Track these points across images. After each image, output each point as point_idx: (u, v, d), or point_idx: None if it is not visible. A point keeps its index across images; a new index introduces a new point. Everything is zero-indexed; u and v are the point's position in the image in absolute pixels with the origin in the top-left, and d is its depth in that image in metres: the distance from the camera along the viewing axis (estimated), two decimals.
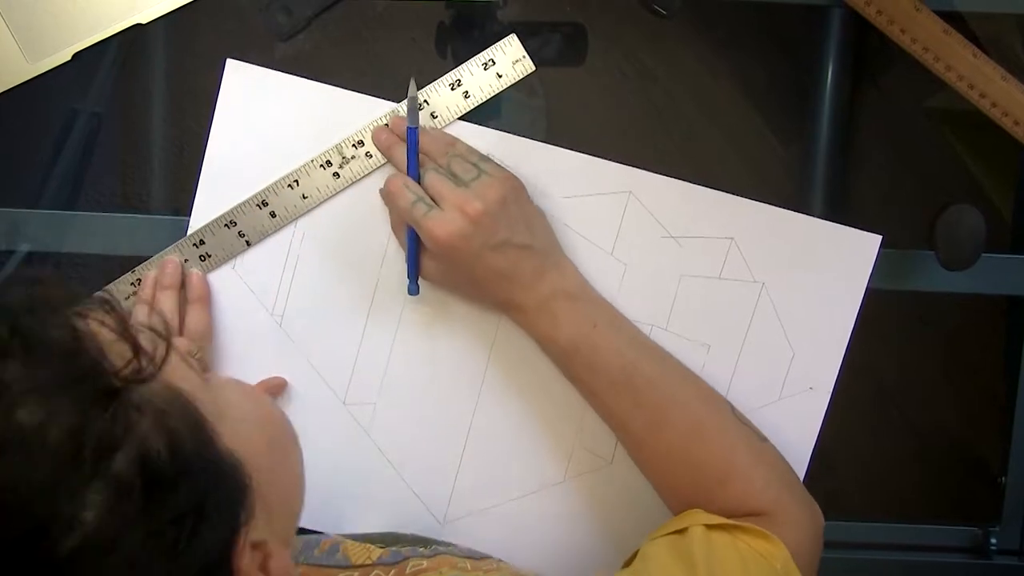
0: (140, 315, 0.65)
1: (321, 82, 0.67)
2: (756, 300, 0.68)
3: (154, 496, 0.36)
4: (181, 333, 0.66)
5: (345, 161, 0.67)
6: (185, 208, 0.70)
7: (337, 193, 0.67)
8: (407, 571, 0.57)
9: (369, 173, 0.67)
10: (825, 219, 0.69)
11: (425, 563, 0.58)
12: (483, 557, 0.61)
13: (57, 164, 0.69)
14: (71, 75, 0.67)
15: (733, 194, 0.67)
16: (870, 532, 0.73)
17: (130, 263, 0.69)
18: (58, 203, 0.69)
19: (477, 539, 0.68)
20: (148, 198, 0.70)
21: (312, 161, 0.67)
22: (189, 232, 0.68)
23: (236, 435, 0.41)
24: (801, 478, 0.67)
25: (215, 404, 0.42)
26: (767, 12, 0.69)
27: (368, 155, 0.67)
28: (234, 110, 0.67)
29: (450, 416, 0.69)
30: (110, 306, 0.39)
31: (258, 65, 0.67)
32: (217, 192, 0.67)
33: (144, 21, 0.67)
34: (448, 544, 0.63)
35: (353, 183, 0.67)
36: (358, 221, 0.68)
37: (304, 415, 0.68)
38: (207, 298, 0.67)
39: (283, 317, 0.68)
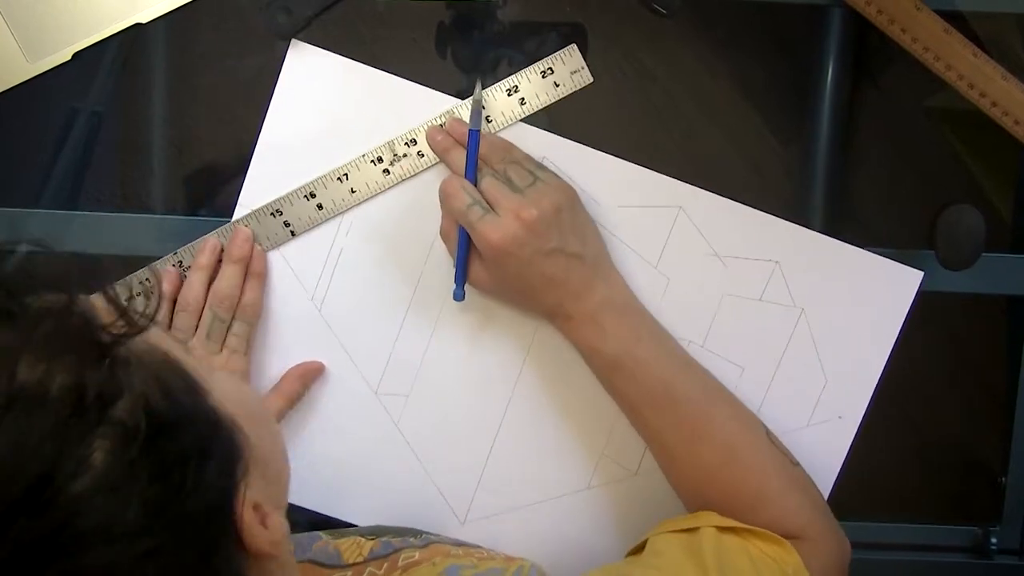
0: (196, 282, 0.66)
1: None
2: (794, 325, 0.68)
3: (157, 439, 0.38)
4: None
5: (396, 159, 0.67)
6: (185, 207, 0.70)
7: (386, 189, 0.68)
8: (399, 563, 0.57)
9: (419, 172, 0.68)
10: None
11: (417, 554, 0.58)
12: (475, 546, 0.61)
13: (57, 163, 0.69)
14: (71, 75, 0.67)
15: (775, 216, 0.68)
16: (870, 531, 0.73)
17: (130, 262, 0.69)
18: (58, 202, 0.69)
19: (496, 540, 0.68)
20: (148, 197, 0.70)
21: (363, 156, 0.67)
22: (235, 216, 0.68)
23: (224, 400, 0.43)
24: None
25: (201, 370, 0.43)
26: (767, 11, 0.69)
27: (420, 154, 0.67)
28: (294, 92, 0.67)
29: (480, 416, 0.70)
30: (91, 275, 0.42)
31: (320, 48, 0.67)
32: (268, 175, 0.68)
33: (144, 21, 0.67)
34: (437, 535, 0.63)
35: (402, 180, 0.68)
36: (405, 218, 0.68)
37: (336, 401, 0.69)
38: (264, 276, 0.67)
39: (323, 303, 0.69)
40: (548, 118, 0.69)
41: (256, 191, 0.68)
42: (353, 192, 0.68)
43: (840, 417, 0.69)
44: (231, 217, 0.69)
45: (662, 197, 0.68)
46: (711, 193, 0.68)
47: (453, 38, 0.68)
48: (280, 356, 0.68)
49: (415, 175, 0.68)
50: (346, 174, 0.67)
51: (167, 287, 0.66)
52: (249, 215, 0.68)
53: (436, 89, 0.68)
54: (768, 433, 0.65)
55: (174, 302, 0.66)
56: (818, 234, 0.68)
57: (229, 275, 0.66)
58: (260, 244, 0.68)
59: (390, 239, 0.68)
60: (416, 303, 0.69)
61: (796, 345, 0.68)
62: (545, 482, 0.70)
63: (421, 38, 0.69)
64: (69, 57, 0.67)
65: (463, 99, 0.67)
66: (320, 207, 0.68)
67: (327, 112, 0.68)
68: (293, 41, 0.67)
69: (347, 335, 0.69)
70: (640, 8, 0.68)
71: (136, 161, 0.70)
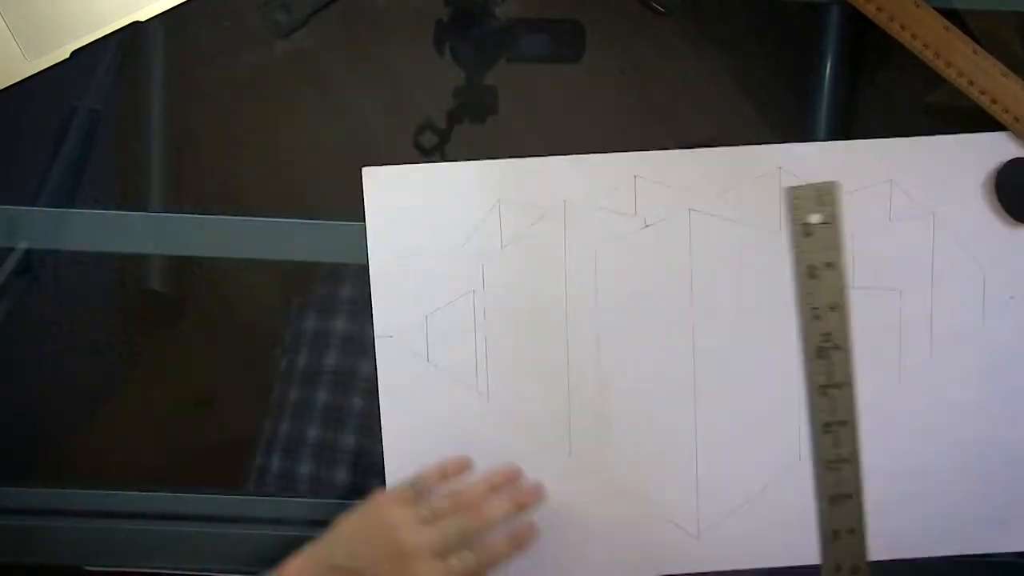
0: (476, 491, 0.64)
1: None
2: (932, 231, 0.68)
3: None
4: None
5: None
6: (183, 205, 0.70)
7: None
8: None
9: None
10: None
11: None
12: None
13: (56, 161, 0.69)
14: (70, 73, 0.67)
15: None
16: None
17: (128, 261, 0.69)
18: (57, 200, 0.69)
19: (737, 542, 0.69)
20: (147, 195, 0.70)
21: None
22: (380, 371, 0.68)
23: None
24: None
25: None
26: (766, 9, 0.69)
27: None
28: (383, 215, 0.67)
29: (673, 431, 0.69)
30: None
31: (392, 164, 0.67)
32: (391, 302, 0.67)
33: (143, 19, 0.67)
34: None
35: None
36: (529, 276, 0.68)
37: (538, 475, 0.68)
38: (523, 551, 0.64)
39: (488, 394, 0.69)
40: (548, 117, 0.69)
41: (385, 317, 0.68)
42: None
43: (1012, 297, 0.69)
44: (232, 216, 0.69)
45: (757, 167, 0.67)
46: (798, 143, 0.67)
47: (452, 36, 0.68)
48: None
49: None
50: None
51: (453, 469, 0.66)
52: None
53: (434, 86, 0.68)
54: None
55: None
56: (910, 138, 0.68)
57: (500, 506, 0.63)
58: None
59: (523, 302, 0.68)
60: (572, 364, 0.69)
61: (941, 248, 0.69)
62: (758, 467, 0.70)
63: (420, 36, 0.69)
64: (68, 55, 0.67)
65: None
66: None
67: (422, 220, 0.67)
68: (364, 169, 0.67)
69: (517, 417, 0.69)
70: (638, 5, 0.68)
71: (135, 159, 0.70)
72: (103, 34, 0.67)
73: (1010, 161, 0.68)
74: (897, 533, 0.70)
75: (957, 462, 0.70)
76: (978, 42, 0.67)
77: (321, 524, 0.73)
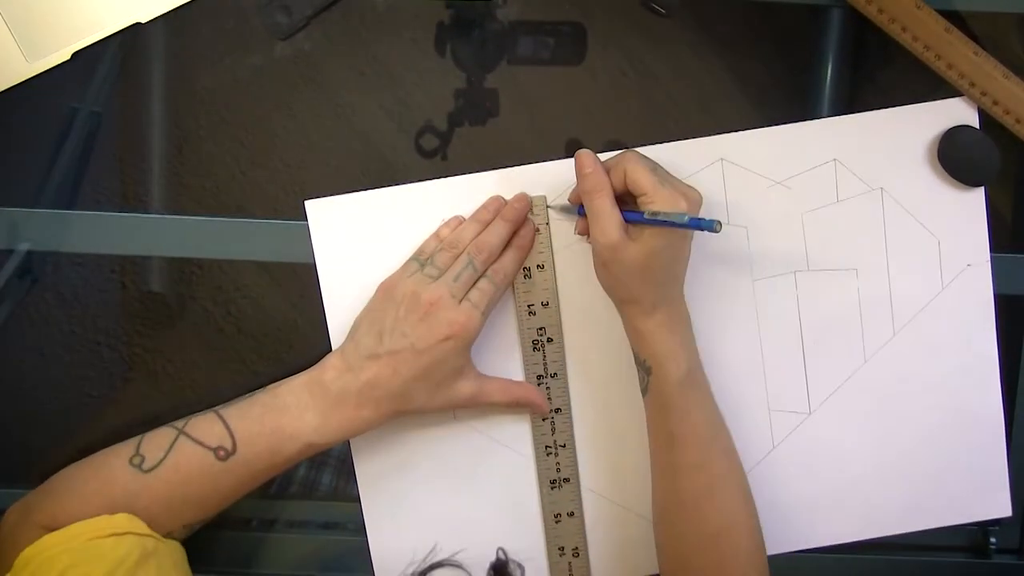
0: (468, 230, 0.66)
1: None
2: (882, 206, 0.68)
3: None
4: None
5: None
6: (184, 207, 0.70)
7: None
8: None
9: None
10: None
11: None
12: None
13: (56, 163, 0.69)
14: (71, 74, 0.67)
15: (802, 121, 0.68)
16: None
17: (129, 262, 0.69)
18: (58, 202, 0.69)
19: None
20: (148, 197, 0.70)
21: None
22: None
23: None
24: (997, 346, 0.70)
25: None
26: (766, 10, 0.69)
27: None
28: (331, 247, 0.68)
29: (639, 425, 0.69)
30: None
31: (338, 197, 0.68)
32: (347, 331, 0.67)
33: (143, 20, 0.67)
34: None
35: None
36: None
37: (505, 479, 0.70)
38: (526, 252, 0.67)
39: (453, 413, 0.70)
40: (549, 120, 0.69)
41: (343, 339, 0.67)
42: None
43: (969, 264, 0.69)
44: (231, 217, 0.69)
45: (702, 158, 0.68)
46: (740, 132, 0.68)
47: (452, 38, 0.68)
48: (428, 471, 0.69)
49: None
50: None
51: (444, 231, 0.67)
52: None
53: (435, 89, 0.68)
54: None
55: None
56: (854, 115, 0.68)
57: (496, 230, 0.66)
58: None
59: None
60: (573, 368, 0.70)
61: (893, 222, 0.69)
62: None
63: (420, 38, 0.69)
64: (68, 57, 0.67)
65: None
66: None
67: (373, 248, 0.68)
68: (307, 203, 0.67)
69: (512, 440, 0.70)
70: (639, 7, 0.68)
71: (135, 160, 0.70)
72: (104, 36, 0.67)
73: (951, 128, 0.68)
74: (871, 511, 0.71)
75: (928, 437, 0.70)
76: (979, 44, 0.67)
77: (319, 524, 0.73)
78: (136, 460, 0.61)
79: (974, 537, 0.73)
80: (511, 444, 0.70)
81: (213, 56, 0.68)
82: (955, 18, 0.67)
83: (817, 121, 0.68)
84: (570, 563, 0.70)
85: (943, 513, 0.71)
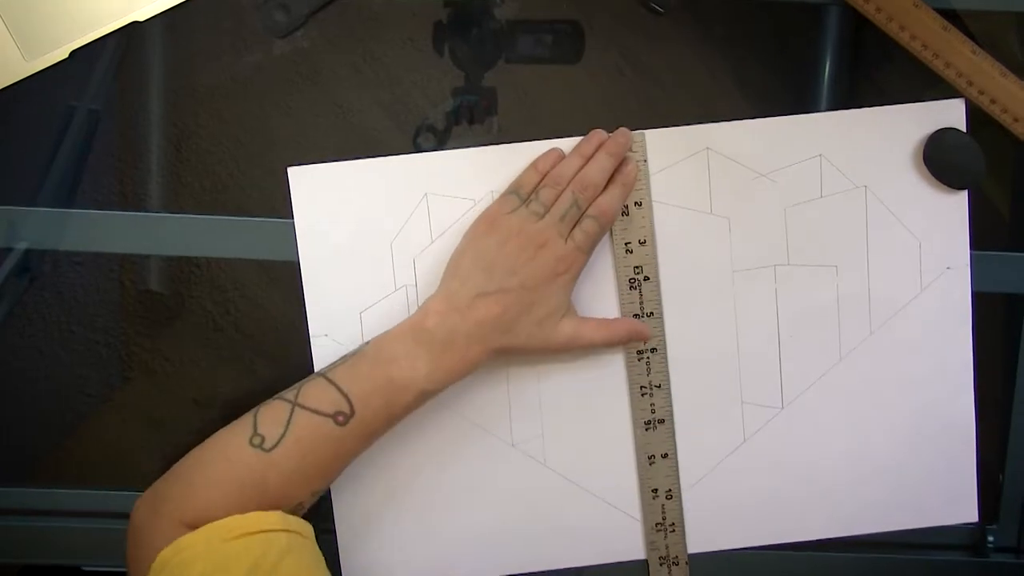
0: (571, 165, 0.66)
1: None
2: (865, 204, 0.68)
3: None
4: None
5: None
6: (183, 206, 0.70)
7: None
8: None
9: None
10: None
11: None
12: None
13: (55, 162, 0.69)
14: (69, 73, 0.67)
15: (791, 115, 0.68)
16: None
17: (128, 261, 0.69)
18: (56, 201, 0.69)
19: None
20: (146, 195, 0.70)
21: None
22: (313, 347, 0.68)
23: None
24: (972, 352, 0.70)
25: None
26: (764, 8, 0.69)
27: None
28: (311, 214, 0.68)
29: (612, 418, 0.69)
30: None
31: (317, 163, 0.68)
32: (324, 301, 0.68)
33: (142, 19, 0.67)
34: None
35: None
36: None
37: (480, 464, 0.69)
38: (629, 188, 0.67)
39: None
40: (547, 118, 0.69)
41: (320, 316, 0.68)
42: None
43: (948, 268, 0.69)
44: (231, 216, 0.69)
45: (687, 146, 0.68)
46: (728, 122, 0.68)
47: (451, 37, 0.69)
48: (401, 436, 0.68)
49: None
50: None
51: (543, 164, 0.66)
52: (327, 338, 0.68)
53: (433, 87, 0.68)
54: None
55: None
56: (842, 111, 0.68)
57: (599, 164, 0.66)
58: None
59: None
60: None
61: (876, 221, 0.69)
62: (704, 452, 0.70)
63: (418, 37, 0.69)
64: (67, 55, 0.67)
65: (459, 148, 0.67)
66: None
67: (352, 217, 0.68)
68: (289, 169, 0.67)
69: (464, 404, 0.69)
70: (637, 6, 0.68)
71: (134, 159, 0.70)
72: (102, 34, 0.67)
73: (938, 131, 0.68)
74: (838, 509, 0.71)
75: (899, 439, 0.70)
76: (977, 42, 0.67)
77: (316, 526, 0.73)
78: (256, 440, 0.60)
79: (972, 535, 0.73)
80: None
81: (211, 54, 0.68)
82: (953, 16, 0.67)
83: (805, 115, 0.68)
84: (663, 505, 0.70)
85: (910, 515, 0.71)
